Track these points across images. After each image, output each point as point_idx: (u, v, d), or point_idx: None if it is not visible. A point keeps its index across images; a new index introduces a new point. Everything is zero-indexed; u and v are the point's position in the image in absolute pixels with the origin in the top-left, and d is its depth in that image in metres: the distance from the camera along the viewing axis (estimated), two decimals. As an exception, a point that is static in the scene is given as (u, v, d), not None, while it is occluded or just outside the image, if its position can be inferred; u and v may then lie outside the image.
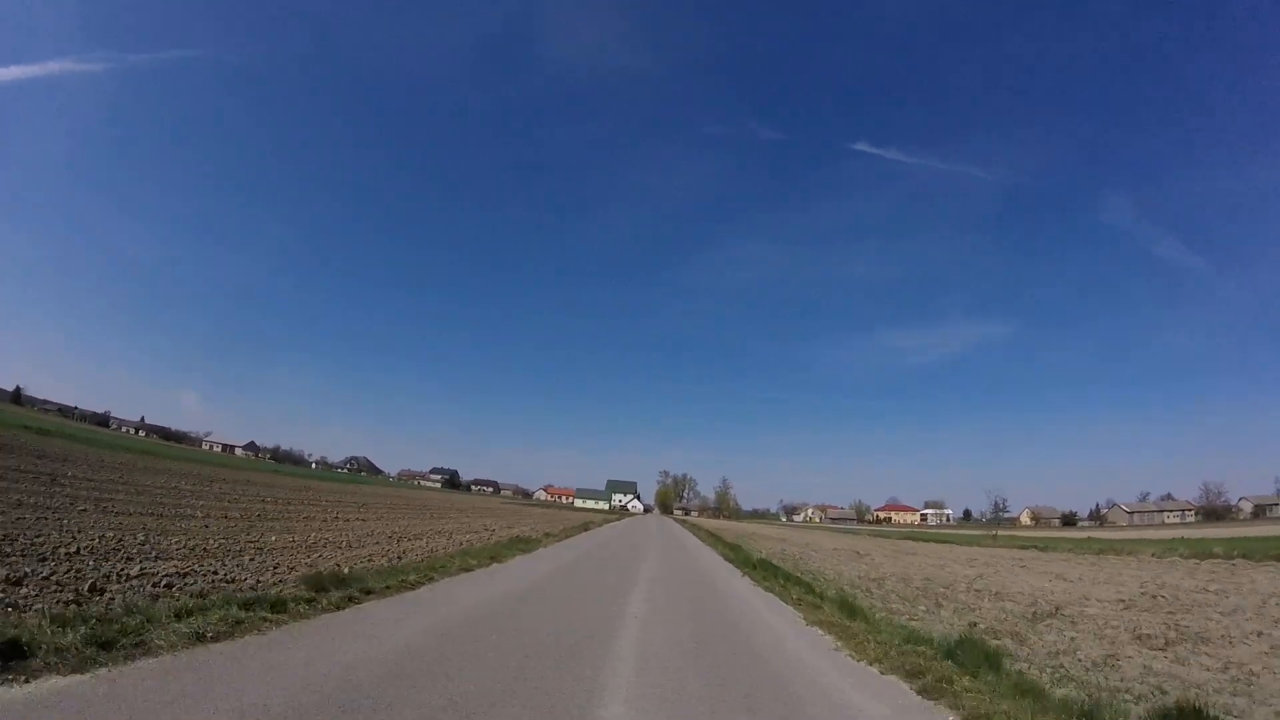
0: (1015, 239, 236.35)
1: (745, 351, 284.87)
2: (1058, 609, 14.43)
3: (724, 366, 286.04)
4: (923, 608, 13.86)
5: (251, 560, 10.99)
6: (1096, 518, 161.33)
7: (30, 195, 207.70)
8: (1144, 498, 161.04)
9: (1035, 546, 44.58)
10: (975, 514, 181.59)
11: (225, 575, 9.26)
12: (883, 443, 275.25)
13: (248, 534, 14.91)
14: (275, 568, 10.54)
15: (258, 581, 9.04)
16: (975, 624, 11.38)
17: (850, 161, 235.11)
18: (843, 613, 10.76)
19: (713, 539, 38.03)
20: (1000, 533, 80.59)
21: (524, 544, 20.81)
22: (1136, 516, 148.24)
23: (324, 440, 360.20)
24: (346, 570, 10.45)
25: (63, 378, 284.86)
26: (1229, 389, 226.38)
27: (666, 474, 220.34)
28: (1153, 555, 33.92)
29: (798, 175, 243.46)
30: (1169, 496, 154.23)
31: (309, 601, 7.74)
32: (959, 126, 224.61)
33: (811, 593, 13.48)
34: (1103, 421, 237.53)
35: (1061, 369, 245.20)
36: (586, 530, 36.67)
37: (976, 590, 18.57)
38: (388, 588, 9.65)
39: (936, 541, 53.65)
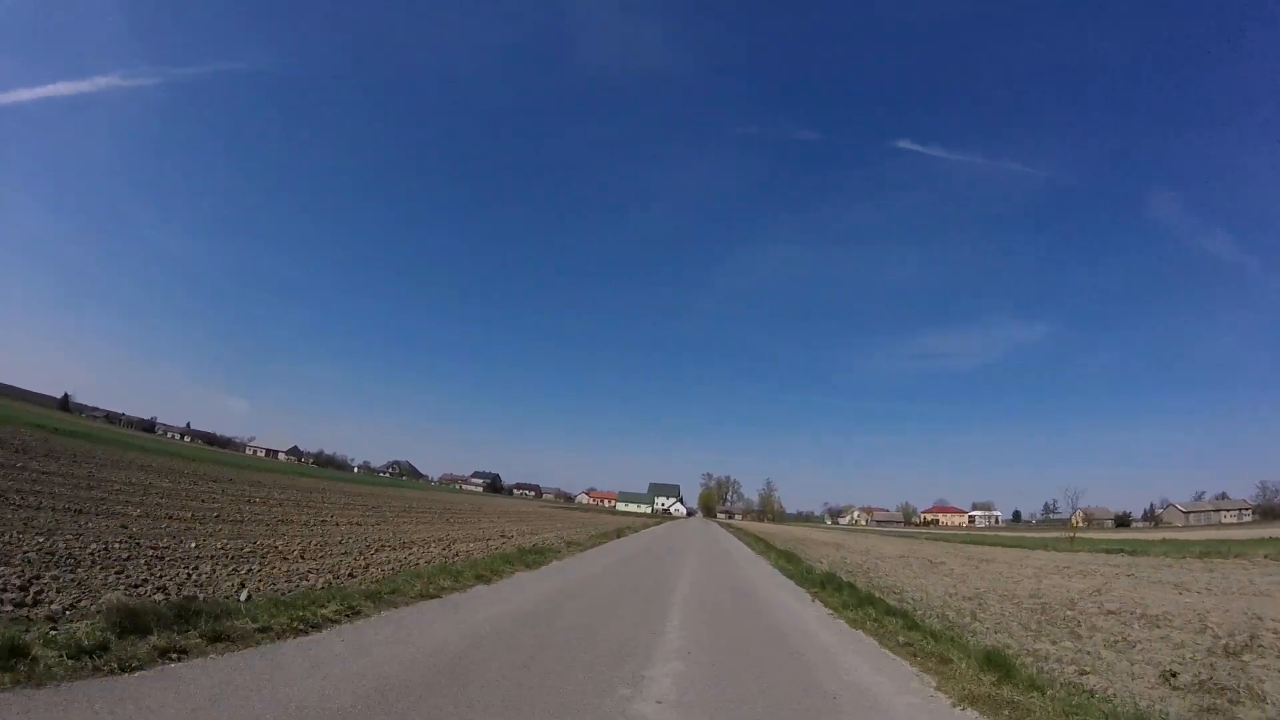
0: (1059, 237, 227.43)
1: (784, 355, 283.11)
2: (1253, 638, 10.11)
3: (764, 370, 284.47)
4: (1069, 645, 9.85)
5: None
6: (1151, 518, 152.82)
7: (81, 204, 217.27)
8: (1198, 497, 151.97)
9: (1123, 550, 39.28)
10: (1025, 515, 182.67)
11: None
12: (925, 445, 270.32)
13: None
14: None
15: None
16: (1173, 674, 7.16)
17: (890, 160, 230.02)
18: (990, 672, 6.46)
19: (762, 546, 34.05)
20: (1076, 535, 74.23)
21: (536, 555, 17.17)
22: (1193, 516, 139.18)
23: (369, 444, 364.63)
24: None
25: (111, 384, 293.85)
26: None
27: (709, 476, 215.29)
28: (1265, 557, 29.54)
29: (833, 176, 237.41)
30: (1224, 496, 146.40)
31: None
32: (1003, 122, 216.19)
33: (918, 630, 9.13)
34: (1148, 421, 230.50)
35: (1106, 369, 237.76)
36: (620, 537, 33.19)
37: (1111, 612, 14.37)
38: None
39: (1003, 546, 48.14)
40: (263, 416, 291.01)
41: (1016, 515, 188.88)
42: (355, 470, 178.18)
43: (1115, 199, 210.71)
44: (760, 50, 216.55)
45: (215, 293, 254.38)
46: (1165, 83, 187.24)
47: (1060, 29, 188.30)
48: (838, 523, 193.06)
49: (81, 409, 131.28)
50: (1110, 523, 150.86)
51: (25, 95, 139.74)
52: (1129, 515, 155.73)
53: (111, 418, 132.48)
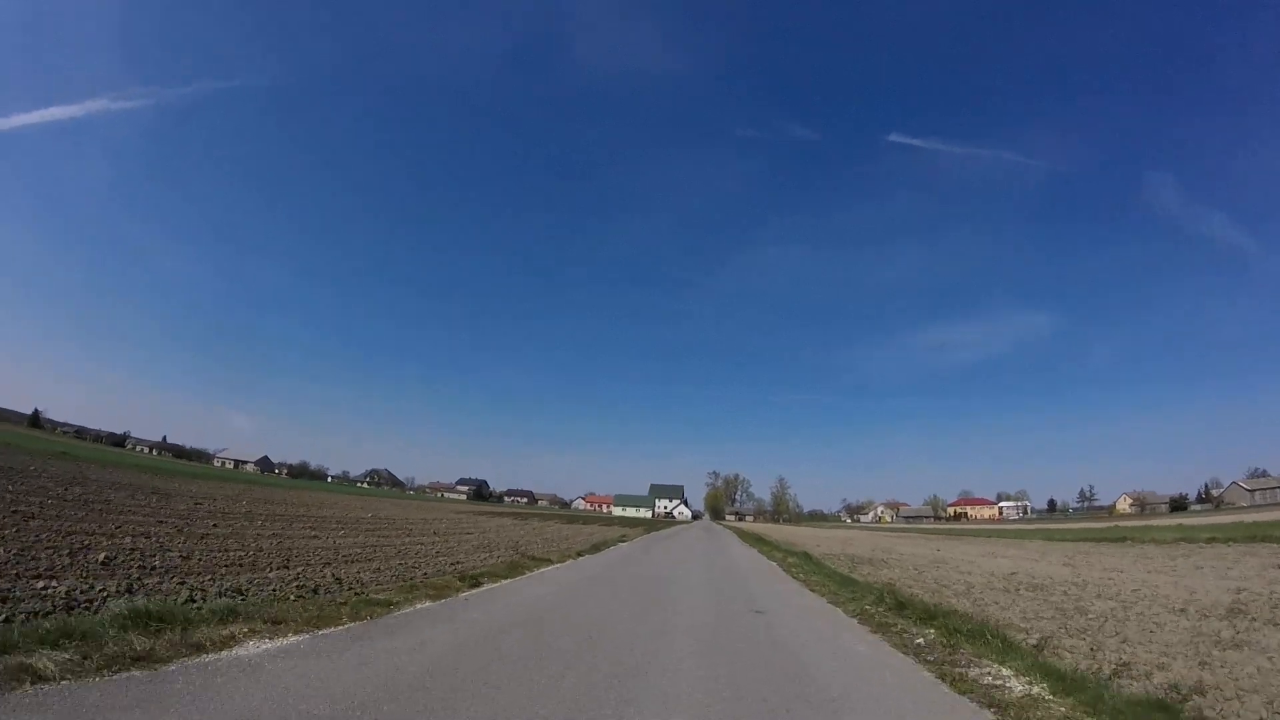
0: (1060, 226, 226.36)
1: (788, 354, 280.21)
2: None
3: (768, 369, 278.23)
4: None
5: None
6: (1207, 499, 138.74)
7: (68, 224, 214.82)
8: (1256, 474, 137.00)
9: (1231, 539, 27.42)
10: (1057, 503, 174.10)
11: None
12: (939, 439, 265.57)
13: None
14: None
15: None
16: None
17: (887, 155, 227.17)
18: None
19: (797, 564, 19.32)
20: (1153, 522, 59.56)
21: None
22: (1259, 495, 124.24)
23: (352, 454, 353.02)
24: None
25: (85, 400, 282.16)
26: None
27: (716, 475, 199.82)
28: None
29: (834, 174, 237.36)
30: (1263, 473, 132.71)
31: None
32: (1001, 114, 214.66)
33: None
34: (1170, 406, 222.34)
35: (1118, 356, 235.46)
36: (591, 554, 19.36)
37: None
38: None
39: (1092, 540, 33.31)
40: (249, 429, 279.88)
41: (1051, 504, 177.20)
42: (329, 480, 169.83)
43: (1115, 186, 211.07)
44: (756, 51, 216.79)
45: (192, 305, 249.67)
46: (1163, 70, 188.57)
47: (1056, 18, 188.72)
48: (858, 520, 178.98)
49: (52, 424, 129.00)
50: (1164, 507, 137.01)
51: (18, 121, 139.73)
52: (1185, 497, 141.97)
53: (81, 433, 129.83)
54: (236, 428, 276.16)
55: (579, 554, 24.04)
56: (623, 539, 36.35)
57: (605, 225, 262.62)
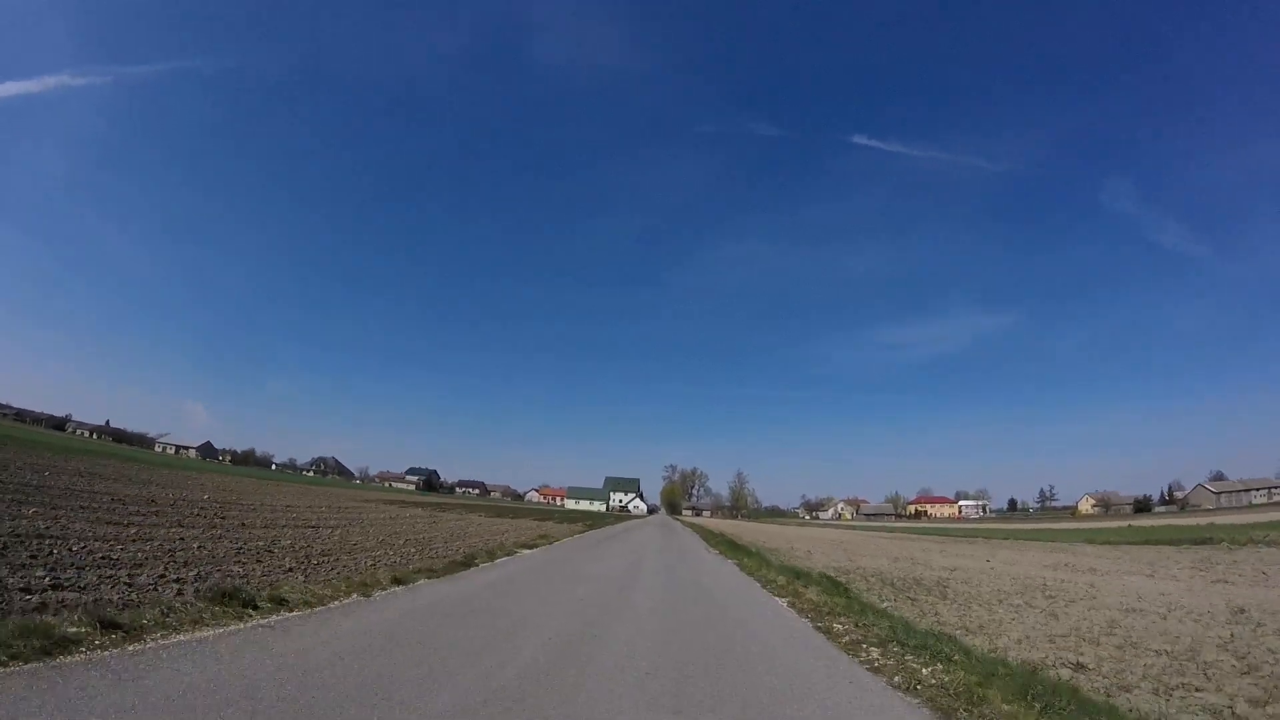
0: (1020, 227, 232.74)
1: (749, 350, 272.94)
2: None
3: (728, 365, 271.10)
4: None
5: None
6: (1171, 500, 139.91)
7: (21, 204, 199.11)
8: (1214, 477, 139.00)
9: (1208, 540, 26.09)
10: (1019, 503, 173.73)
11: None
12: (899, 436, 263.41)
13: None
14: None
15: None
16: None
17: (849, 155, 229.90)
18: None
19: (781, 574, 13.54)
20: (1129, 524, 56.55)
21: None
22: (1224, 498, 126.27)
23: (308, 444, 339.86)
24: None
25: (27, 383, 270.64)
26: (1239, 372, 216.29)
27: (673, 468, 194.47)
28: None
29: (796, 171, 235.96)
30: (1219, 476, 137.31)
31: None
32: (960, 115, 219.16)
33: None
34: (1123, 408, 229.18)
35: (1077, 356, 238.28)
36: (483, 564, 13.26)
37: None
38: None
39: (1088, 543, 28.96)
40: (202, 416, 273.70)
41: (1012, 504, 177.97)
42: (273, 467, 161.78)
43: (1073, 190, 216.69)
44: (718, 48, 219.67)
45: (148, 291, 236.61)
46: (1121, 76, 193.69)
47: (1016, 24, 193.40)
48: (817, 517, 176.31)
49: None
50: (1128, 508, 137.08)
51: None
52: (1149, 499, 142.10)
53: (21, 415, 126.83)
54: (188, 414, 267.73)
55: (553, 543, 19.19)
56: (581, 532, 30.97)
57: (567, 222, 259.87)
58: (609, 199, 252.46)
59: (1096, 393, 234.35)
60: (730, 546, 25.53)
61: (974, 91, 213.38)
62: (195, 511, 17.82)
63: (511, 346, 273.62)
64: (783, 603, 10.04)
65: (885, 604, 9.78)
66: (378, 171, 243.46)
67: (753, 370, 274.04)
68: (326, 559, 11.80)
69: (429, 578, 10.74)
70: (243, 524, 16.60)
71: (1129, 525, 50.32)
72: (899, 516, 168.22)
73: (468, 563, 12.79)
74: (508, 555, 15.30)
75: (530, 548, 18.02)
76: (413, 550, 14.88)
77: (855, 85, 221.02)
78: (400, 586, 9.48)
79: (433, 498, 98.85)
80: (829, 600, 9.49)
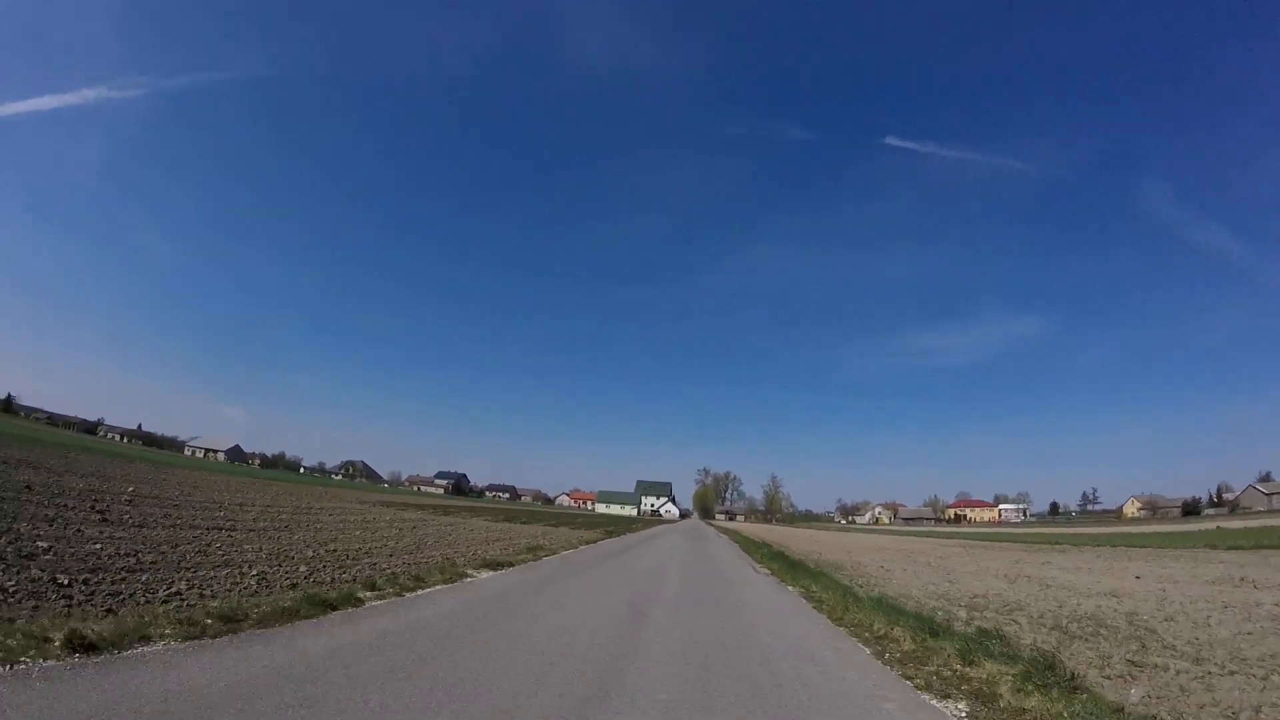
0: (1055, 230, 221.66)
1: (779, 354, 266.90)
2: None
3: (758, 369, 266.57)
4: None
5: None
6: (1220, 503, 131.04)
7: (61, 211, 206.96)
8: (1262, 478, 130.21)
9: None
10: (1061, 506, 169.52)
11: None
12: (931, 441, 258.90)
13: None
14: None
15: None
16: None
17: (881, 157, 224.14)
18: None
19: (882, 616, 9.35)
20: (1220, 525, 50.58)
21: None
22: (1276, 499, 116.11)
23: (338, 448, 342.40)
24: None
25: (63, 386, 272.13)
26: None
27: (706, 472, 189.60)
28: None
29: (827, 174, 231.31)
30: (1268, 476, 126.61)
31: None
32: (994, 118, 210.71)
33: None
34: (1163, 411, 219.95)
35: (1109, 361, 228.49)
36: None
37: None
38: None
39: (1209, 548, 23.66)
40: (238, 420, 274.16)
41: (1054, 507, 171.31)
42: (300, 471, 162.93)
43: (1108, 191, 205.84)
44: (749, 49, 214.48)
45: (183, 296, 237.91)
46: (1156, 76, 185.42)
47: (1051, 23, 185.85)
48: (854, 521, 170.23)
49: (25, 410, 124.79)
50: (1176, 511, 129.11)
51: (15, 109, 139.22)
52: (1198, 501, 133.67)
53: (53, 420, 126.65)
54: (225, 419, 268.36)
55: (555, 553, 15.49)
56: (597, 540, 26.39)
57: (597, 222, 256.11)
58: (640, 199, 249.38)
59: (1136, 396, 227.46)
60: (781, 562, 20.27)
61: (1010, 93, 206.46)
62: (68, 504, 14.13)
63: (543, 348, 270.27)
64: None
65: (1137, 696, 5.51)
66: (410, 172, 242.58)
67: (784, 374, 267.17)
68: (122, 578, 8.02)
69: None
70: (109, 520, 12.96)
71: (1217, 528, 44.58)
72: (939, 521, 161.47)
73: (344, 601, 8.47)
74: (444, 584, 10.42)
75: (499, 567, 13.71)
76: (303, 569, 10.96)
77: (889, 87, 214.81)
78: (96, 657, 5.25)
79: (458, 501, 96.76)
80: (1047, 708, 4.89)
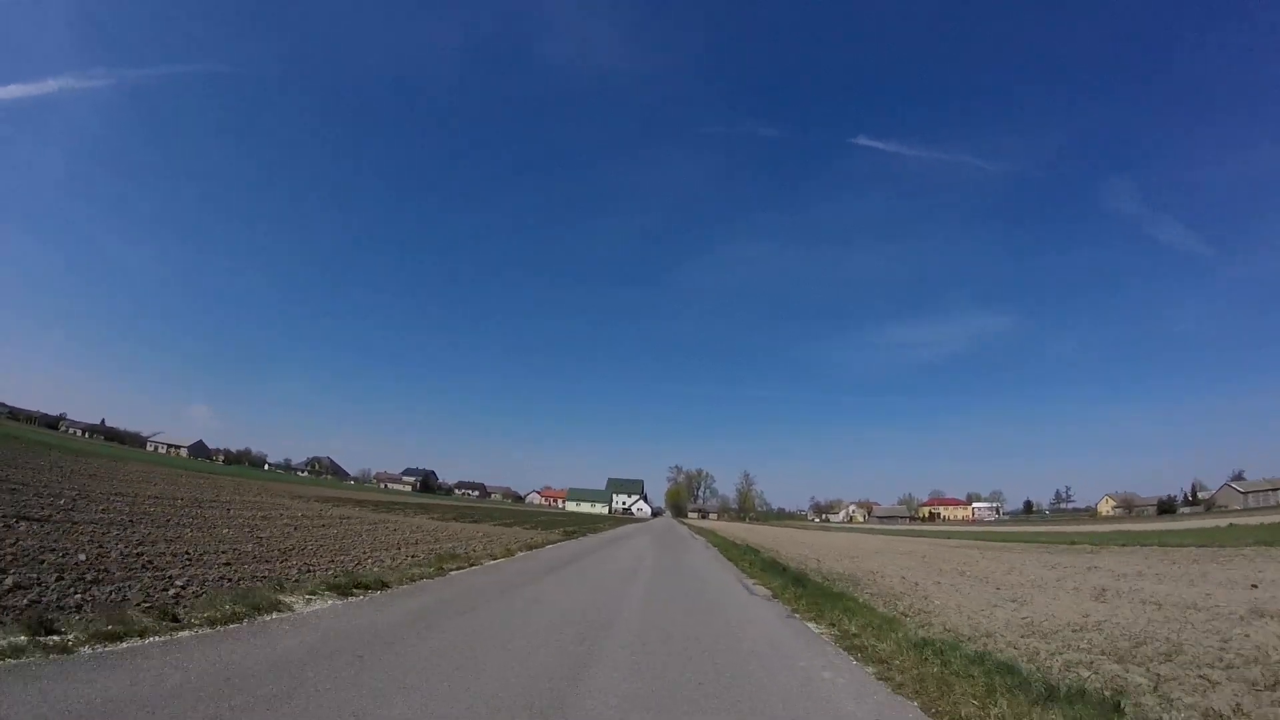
0: (1022, 227, 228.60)
1: (752, 350, 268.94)
2: None
3: (732, 366, 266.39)
4: None
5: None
6: (1195, 501, 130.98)
7: (21, 204, 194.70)
8: (1235, 477, 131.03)
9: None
10: (1035, 504, 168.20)
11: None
12: (905, 438, 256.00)
13: None
14: None
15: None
16: None
17: (852, 156, 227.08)
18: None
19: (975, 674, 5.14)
20: (1233, 523, 47.93)
21: None
22: (1251, 498, 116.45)
23: (307, 445, 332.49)
24: None
25: (31, 382, 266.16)
26: (1253, 371, 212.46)
27: (678, 469, 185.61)
28: None
29: (799, 172, 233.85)
30: (1240, 476, 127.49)
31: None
32: (961, 116, 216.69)
33: None
34: (1134, 409, 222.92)
35: (1081, 357, 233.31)
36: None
37: None
38: None
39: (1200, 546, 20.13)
40: (204, 417, 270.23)
41: (1028, 506, 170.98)
42: (265, 467, 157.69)
43: (1074, 190, 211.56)
44: (721, 48, 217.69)
45: (147, 292, 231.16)
46: (1120, 74, 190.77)
47: (1017, 24, 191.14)
48: (827, 520, 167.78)
49: None
50: (1151, 509, 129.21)
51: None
52: (1173, 499, 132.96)
53: (14, 414, 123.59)
54: (194, 416, 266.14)
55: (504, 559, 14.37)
56: (560, 541, 21.55)
57: (569, 222, 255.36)
58: (611, 199, 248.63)
59: (1105, 393, 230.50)
60: (779, 576, 15.09)
61: (975, 92, 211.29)
62: None
63: (514, 347, 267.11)
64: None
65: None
66: (379, 171, 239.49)
67: (756, 371, 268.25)
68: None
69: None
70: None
71: (1229, 525, 41.66)
72: (913, 519, 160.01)
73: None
74: (208, 628, 6.20)
75: (363, 590, 9.20)
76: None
77: (857, 86, 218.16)
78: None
79: (419, 498, 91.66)
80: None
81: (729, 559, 21.76)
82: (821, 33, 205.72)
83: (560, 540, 27.54)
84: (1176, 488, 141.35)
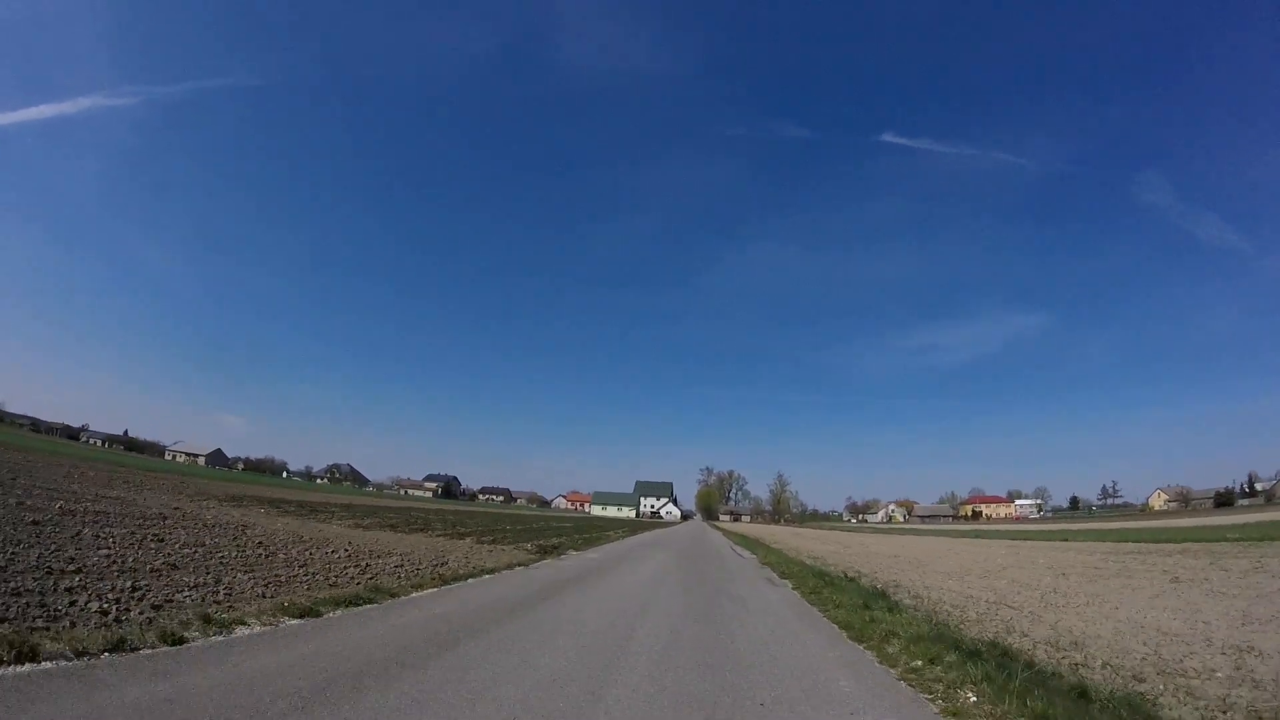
0: (1053, 225, 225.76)
1: (779, 353, 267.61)
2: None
3: (758, 369, 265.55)
4: None
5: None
6: (1253, 493, 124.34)
7: (48, 217, 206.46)
8: None
9: None
10: (1081, 501, 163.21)
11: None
12: (933, 438, 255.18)
13: None
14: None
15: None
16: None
17: (878, 154, 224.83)
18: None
19: None
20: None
21: None
22: None
23: (330, 452, 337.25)
24: None
25: (58, 395, 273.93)
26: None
27: (709, 471, 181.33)
28: None
29: (824, 173, 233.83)
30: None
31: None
32: (991, 113, 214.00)
33: None
34: (1176, 404, 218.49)
35: (1118, 354, 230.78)
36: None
37: None
38: None
39: None
40: (237, 427, 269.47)
41: (1074, 502, 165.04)
42: (284, 475, 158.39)
43: (1108, 185, 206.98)
44: (745, 49, 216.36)
45: (175, 301, 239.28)
46: (1155, 70, 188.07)
47: (1048, 18, 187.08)
48: (865, 520, 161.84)
49: (10, 417, 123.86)
50: (1208, 502, 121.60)
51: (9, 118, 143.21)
52: (1231, 491, 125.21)
53: (37, 425, 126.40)
54: (226, 426, 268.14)
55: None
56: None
57: (593, 224, 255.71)
58: (635, 201, 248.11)
59: (1146, 389, 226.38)
60: (884, 612, 9.71)
61: (1006, 88, 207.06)
62: None
63: (540, 351, 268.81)
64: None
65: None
66: (405, 177, 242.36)
67: (787, 372, 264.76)
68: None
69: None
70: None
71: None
72: (956, 518, 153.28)
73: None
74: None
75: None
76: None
77: (885, 84, 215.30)
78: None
79: (439, 505, 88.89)
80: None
81: (789, 584, 15.54)
82: (846, 29, 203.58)
83: (558, 559, 19.11)
84: (1228, 480, 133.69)
